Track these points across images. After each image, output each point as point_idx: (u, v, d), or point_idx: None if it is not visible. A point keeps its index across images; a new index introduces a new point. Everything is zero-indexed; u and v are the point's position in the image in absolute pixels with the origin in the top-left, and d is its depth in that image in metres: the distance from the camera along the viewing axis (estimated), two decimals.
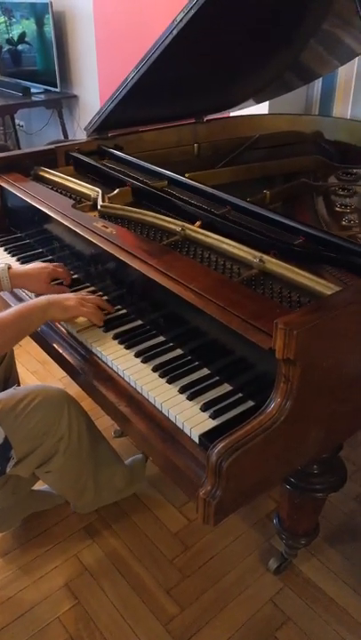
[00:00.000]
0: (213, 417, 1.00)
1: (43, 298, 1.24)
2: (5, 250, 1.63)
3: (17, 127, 4.44)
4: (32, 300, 1.25)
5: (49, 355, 1.33)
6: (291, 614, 1.37)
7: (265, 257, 1.17)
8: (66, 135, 3.96)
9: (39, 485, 1.61)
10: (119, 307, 1.33)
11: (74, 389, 1.33)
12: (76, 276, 1.47)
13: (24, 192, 1.56)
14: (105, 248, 1.24)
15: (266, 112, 2.32)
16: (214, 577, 1.46)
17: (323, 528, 1.47)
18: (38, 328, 1.29)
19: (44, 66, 3.80)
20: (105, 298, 1.37)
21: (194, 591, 1.43)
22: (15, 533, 1.59)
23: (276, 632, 1.33)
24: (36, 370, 2.27)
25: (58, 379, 2.15)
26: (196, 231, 1.31)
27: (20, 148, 4.22)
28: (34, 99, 3.79)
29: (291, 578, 1.45)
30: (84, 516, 1.61)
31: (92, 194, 1.53)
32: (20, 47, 3.97)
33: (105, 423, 1.78)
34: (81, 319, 1.27)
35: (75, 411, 1.33)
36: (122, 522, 1.61)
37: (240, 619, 1.36)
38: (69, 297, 1.26)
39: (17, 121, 4.44)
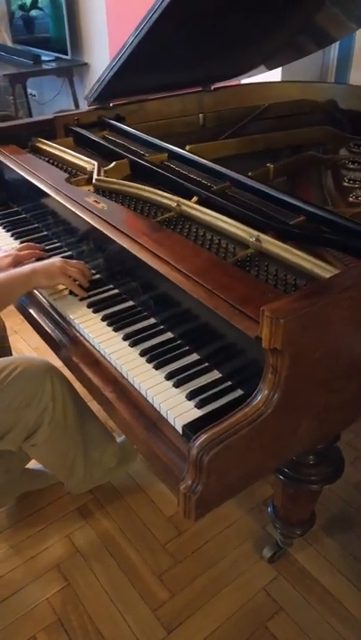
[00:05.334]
0: (199, 406, 0.95)
1: (26, 267, 1.23)
2: (0, 225, 1.59)
3: (29, 97, 4.34)
4: (15, 270, 1.24)
5: (38, 333, 1.29)
6: (283, 604, 1.34)
7: (262, 236, 1.10)
8: (77, 104, 3.86)
9: (33, 464, 1.60)
10: (111, 286, 1.28)
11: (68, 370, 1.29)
12: (69, 253, 1.42)
13: (18, 164, 1.50)
14: (93, 224, 1.18)
15: (278, 80, 2.21)
16: (207, 563, 1.43)
17: (320, 516, 1.43)
18: (21, 297, 1.29)
19: (55, 32, 3.68)
20: (97, 276, 1.32)
21: (185, 577, 1.40)
22: (8, 512, 1.58)
23: (267, 622, 1.30)
24: (38, 346, 2.24)
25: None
26: (191, 207, 1.24)
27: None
28: (44, 67, 3.69)
29: (285, 567, 1.41)
30: (78, 496, 1.59)
31: (88, 167, 1.46)
32: (32, 13, 3.84)
33: None
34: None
35: (58, 382, 1.28)
36: (116, 503, 1.59)
37: (231, 607, 1.33)
38: (54, 262, 1.24)
39: (29, 90, 4.34)
